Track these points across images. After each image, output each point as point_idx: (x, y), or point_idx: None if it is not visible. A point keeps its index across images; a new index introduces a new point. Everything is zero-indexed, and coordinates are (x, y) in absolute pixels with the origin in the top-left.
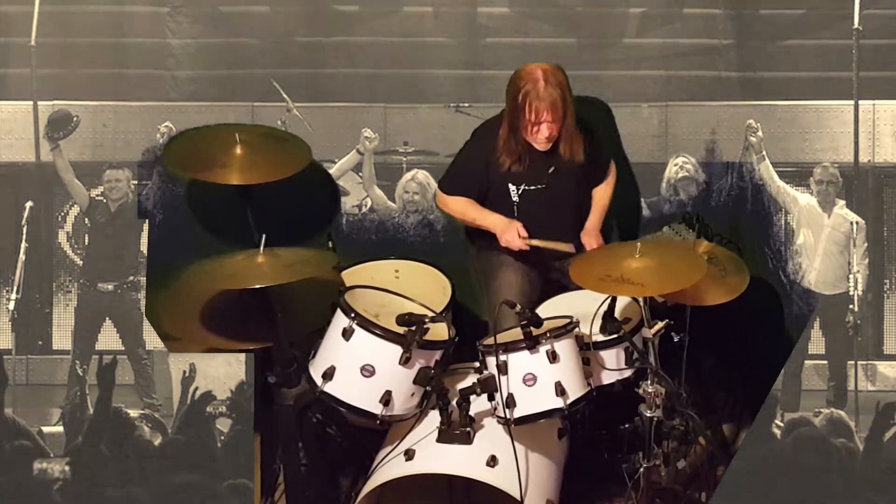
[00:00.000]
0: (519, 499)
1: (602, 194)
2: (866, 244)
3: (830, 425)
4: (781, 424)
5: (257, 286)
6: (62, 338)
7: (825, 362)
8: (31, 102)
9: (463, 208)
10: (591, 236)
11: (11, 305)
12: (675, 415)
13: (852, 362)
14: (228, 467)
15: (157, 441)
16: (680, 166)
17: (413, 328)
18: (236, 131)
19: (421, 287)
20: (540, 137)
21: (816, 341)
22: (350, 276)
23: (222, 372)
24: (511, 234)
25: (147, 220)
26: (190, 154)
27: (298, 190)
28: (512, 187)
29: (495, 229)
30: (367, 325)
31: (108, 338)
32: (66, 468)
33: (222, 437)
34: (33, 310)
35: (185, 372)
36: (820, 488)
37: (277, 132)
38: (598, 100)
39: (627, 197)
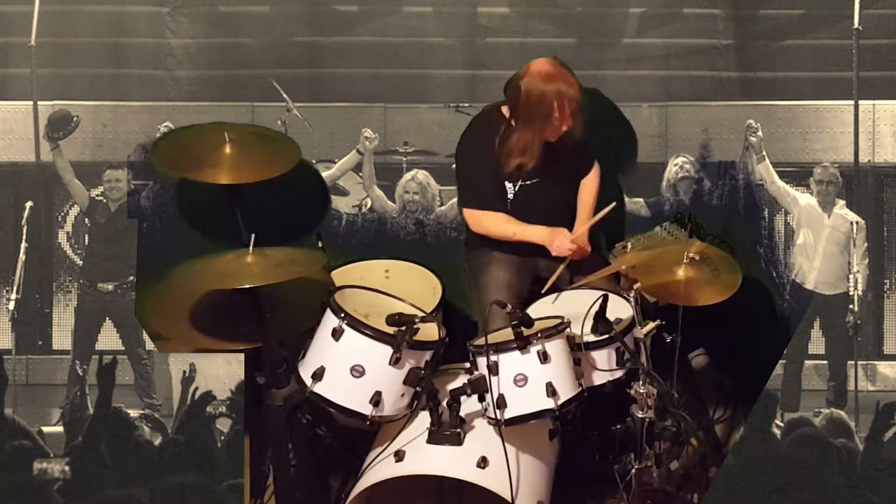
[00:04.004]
0: (510, 500)
1: (588, 194)
2: (866, 244)
3: (830, 425)
4: (781, 424)
5: (246, 286)
6: (62, 338)
7: (825, 362)
8: (31, 102)
9: (501, 225)
10: (579, 242)
11: (11, 305)
12: (666, 416)
13: (852, 362)
14: (228, 467)
15: (157, 441)
16: (680, 166)
17: (403, 328)
18: (225, 130)
19: (411, 287)
20: (563, 130)
21: (816, 341)
22: (340, 276)
23: (222, 372)
24: (560, 240)
25: (138, 220)
26: (179, 153)
27: (288, 189)
28: (508, 185)
29: (542, 241)
30: (357, 326)
31: (108, 338)
32: (66, 468)
33: (222, 437)
34: (33, 310)
35: (185, 372)
36: (820, 488)
37: (267, 131)
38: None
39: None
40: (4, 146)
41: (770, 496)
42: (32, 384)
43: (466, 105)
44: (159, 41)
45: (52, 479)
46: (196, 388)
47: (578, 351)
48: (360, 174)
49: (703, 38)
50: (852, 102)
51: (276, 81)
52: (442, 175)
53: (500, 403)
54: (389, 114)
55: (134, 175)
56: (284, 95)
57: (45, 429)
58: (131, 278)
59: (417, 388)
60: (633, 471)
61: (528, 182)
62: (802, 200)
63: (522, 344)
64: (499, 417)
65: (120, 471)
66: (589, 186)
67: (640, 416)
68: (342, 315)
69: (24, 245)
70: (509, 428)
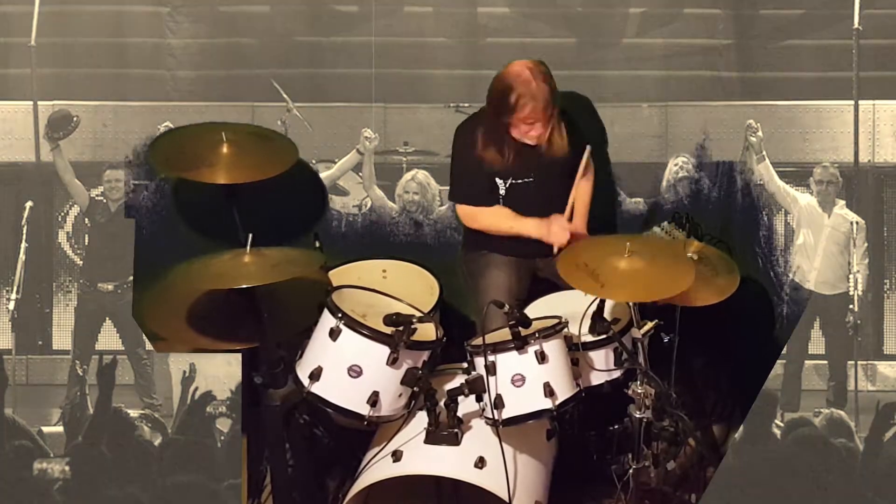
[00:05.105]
0: (507, 500)
1: (583, 191)
2: (866, 244)
3: (830, 425)
4: (781, 424)
5: (244, 286)
6: (62, 338)
7: (825, 362)
8: (31, 102)
9: (496, 219)
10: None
11: (11, 305)
12: (664, 416)
13: (852, 362)
14: (228, 467)
15: (157, 441)
16: (680, 166)
17: (400, 328)
18: (223, 130)
19: (409, 287)
20: (533, 135)
21: (816, 341)
22: (337, 275)
23: (222, 372)
24: (556, 229)
25: (135, 220)
26: (176, 153)
27: (285, 189)
28: (499, 181)
29: (538, 235)
30: (355, 326)
31: (108, 338)
32: (66, 468)
33: (222, 438)
34: (33, 310)
35: (185, 372)
36: (820, 488)
37: (264, 131)
38: (582, 94)
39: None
40: (4, 146)
41: (770, 496)
42: (32, 384)
43: (466, 105)
44: (159, 41)
45: (52, 479)
46: (196, 388)
47: (576, 351)
48: (360, 174)
49: (703, 38)
50: (852, 102)
51: (276, 81)
52: (442, 175)
53: (498, 403)
54: (389, 114)
55: (133, 175)
56: (284, 95)
57: (45, 429)
58: (131, 278)
59: (415, 389)
60: (631, 471)
61: (520, 181)
62: (802, 200)
63: (520, 344)
64: (496, 417)
65: (120, 471)
66: (582, 190)
67: (637, 416)
68: (339, 315)
69: (24, 245)
70: (507, 428)
